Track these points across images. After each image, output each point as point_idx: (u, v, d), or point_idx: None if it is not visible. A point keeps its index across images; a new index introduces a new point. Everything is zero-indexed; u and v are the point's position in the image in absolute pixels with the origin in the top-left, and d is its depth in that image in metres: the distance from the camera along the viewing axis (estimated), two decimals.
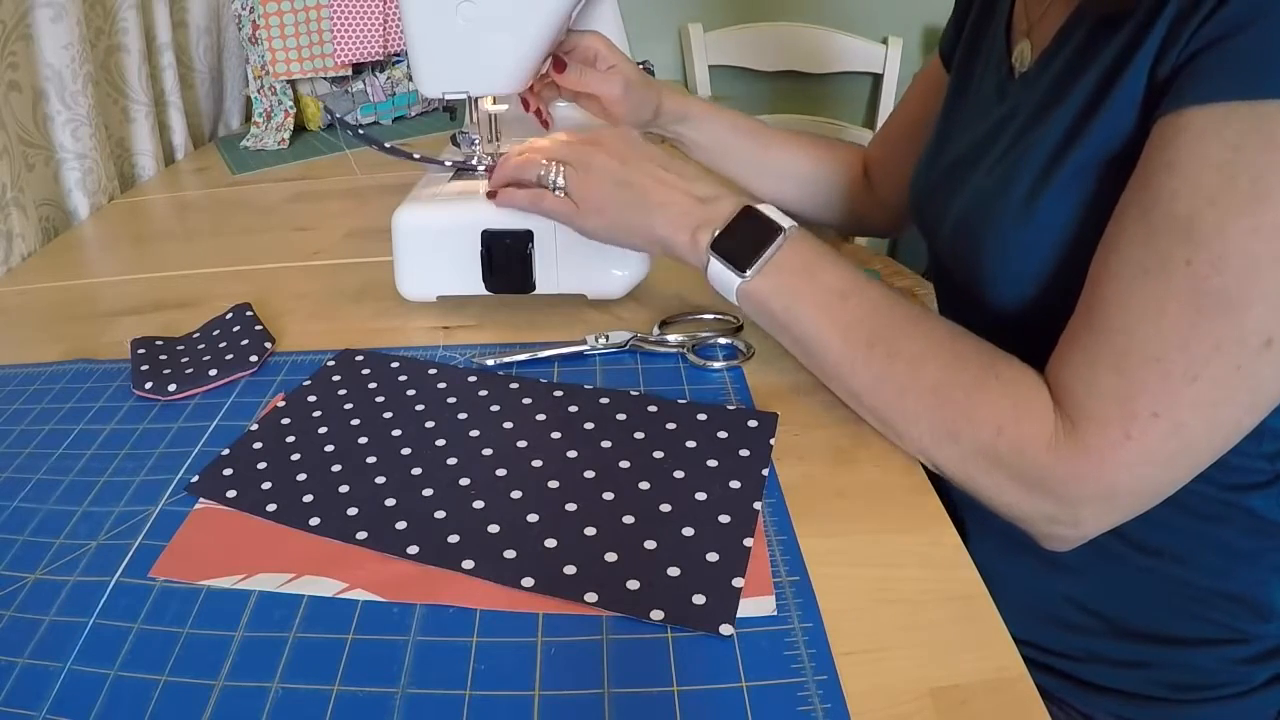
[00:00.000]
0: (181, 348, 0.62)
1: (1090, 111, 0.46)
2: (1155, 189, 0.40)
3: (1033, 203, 0.49)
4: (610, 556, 0.41)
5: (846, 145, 0.86)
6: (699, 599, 0.39)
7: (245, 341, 0.62)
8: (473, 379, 0.57)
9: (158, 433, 0.53)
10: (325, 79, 1.26)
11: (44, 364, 0.62)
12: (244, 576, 0.41)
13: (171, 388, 0.57)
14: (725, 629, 0.37)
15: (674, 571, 0.40)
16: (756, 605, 0.39)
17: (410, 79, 1.30)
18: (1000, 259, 0.51)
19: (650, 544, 0.42)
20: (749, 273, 0.50)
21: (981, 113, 0.59)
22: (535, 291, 0.64)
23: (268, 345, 0.62)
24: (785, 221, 0.50)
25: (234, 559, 0.43)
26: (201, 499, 0.47)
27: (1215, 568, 0.51)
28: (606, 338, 0.61)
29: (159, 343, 0.62)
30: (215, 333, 0.64)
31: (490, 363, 0.59)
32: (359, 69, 1.27)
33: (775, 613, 0.39)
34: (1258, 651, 0.52)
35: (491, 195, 0.61)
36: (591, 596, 0.39)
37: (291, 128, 1.23)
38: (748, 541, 0.42)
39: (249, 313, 0.66)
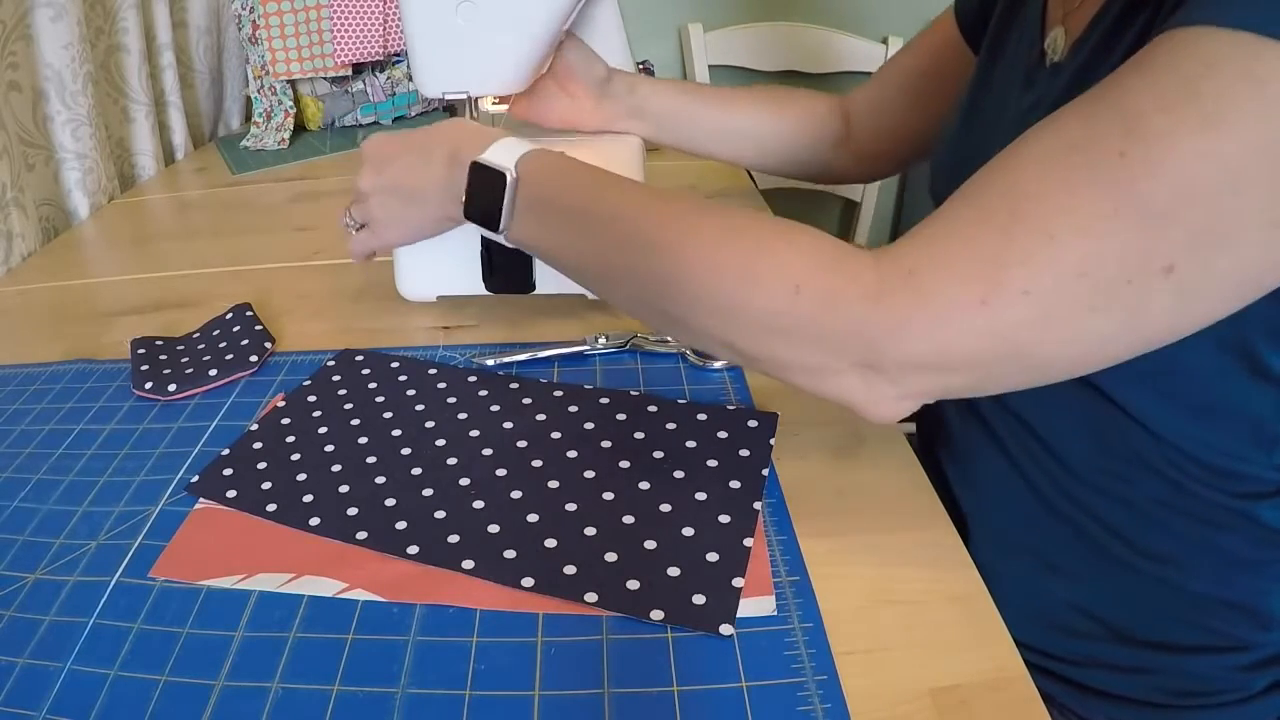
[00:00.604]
0: (181, 348, 0.62)
1: None
2: (1115, 81, 0.37)
3: None
4: (610, 556, 0.41)
5: (815, 95, 0.83)
6: (699, 599, 0.39)
7: (245, 341, 0.62)
8: (473, 379, 0.57)
9: (158, 433, 0.53)
10: (325, 79, 1.26)
11: (44, 364, 0.62)
12: (244, 576, 0.41)
13: (171, 388, 0.57)
14: (725, 629, 0.37)
15: (674, 571, 0.40)
16: (756, 605, 0.39)
17: (410, 79, 1.30)
18: None
19: (650, 544, 0.42)
20: (502, 228, 0.50)
21: (1006, 99, 0.56)
22: (535, 291, 0.64)
23: (268, 345, 0.62)
24: (506, 163, 0.50)
25: (234, 559, 0.43)
26: (201, 499, 0.47)
27: (1218, 575, 0.51)
28: (606, 338, 0.61)
29: (159, 343, 0.62)
30: (215, 333, 0.64)
31: (490, 363, 0.59)
32: (359, 69, 1.27)
33: (775, 613, 0.39)
34: (1257, 659, 0.52)
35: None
36: (591, 596, 0.39)
37: (291, 128, 1.23)
38: (748, 541, 0.42)
39: (249, 313, 0.66)
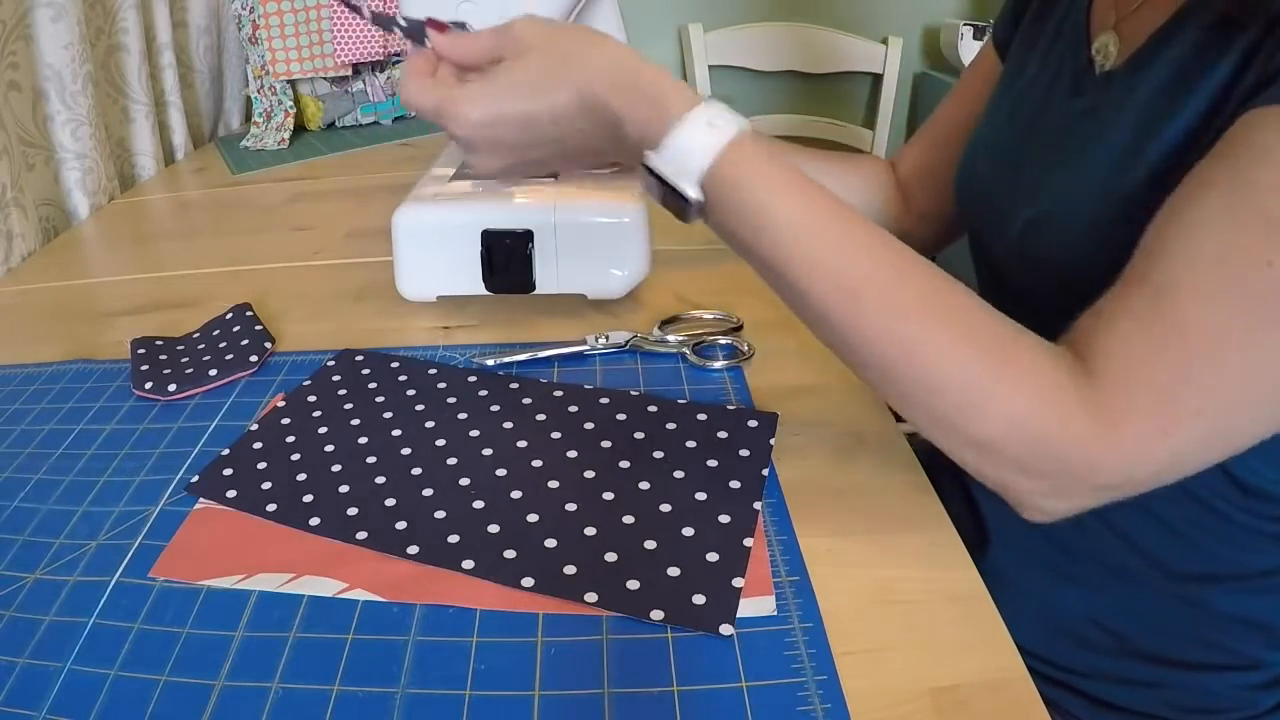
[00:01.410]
0: (181, 348, 0.62)
1: (1213, 117, 0.43)
2: (1246, 176, 0.37)
3: (1142, 210, 0.43)
4: (610, 556, 0.41)
5: (870, 159, 0.77)
6: (699, 599, 0.39)
7: (245, 341, 0.62)
8: (473, 379, 0.57)
9: (158, 433, 0.53)
10: (325, 79, 1.26)
11: (44, 364, 0.62)
12: (244, 576, 0.41)
13: (171, 388, 0.57)
14: (725, 629, 0.37)
15: (674, 571, 0.40)
16: (756, 605, 0.39)
17: None
18: (1096, 265, 0.45)
19: (650, 544, 0.42)
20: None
21: (1050, 103, 0.55)
22: (535, 291, 0.64)
23: (268, 345, 0.62)
24: (689, 175, 0.40)
25: (234, 559, 0.43)
26: (201, 499, 0.47)
27: (1240, 596, 0.51)
28: (606, 338, 0.61)
29: (159, 343, 0.62)
30: (215, 333, 0.64)
31: (490, 363, 0.59)
32: (359, 69, 1.27)
33: (775, 613, 0.39)
34: (1268, 678, 0.52)
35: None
36: (591, 596, 0.39)
37: (291, 128, 1.23)
38: (748, 541, 0.42)
39: (249, 313, 0.66)
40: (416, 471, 0.48)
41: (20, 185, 0.85)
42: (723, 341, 0.60)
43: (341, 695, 0.35)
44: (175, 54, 1.16)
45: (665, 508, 0.44)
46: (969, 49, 1.65)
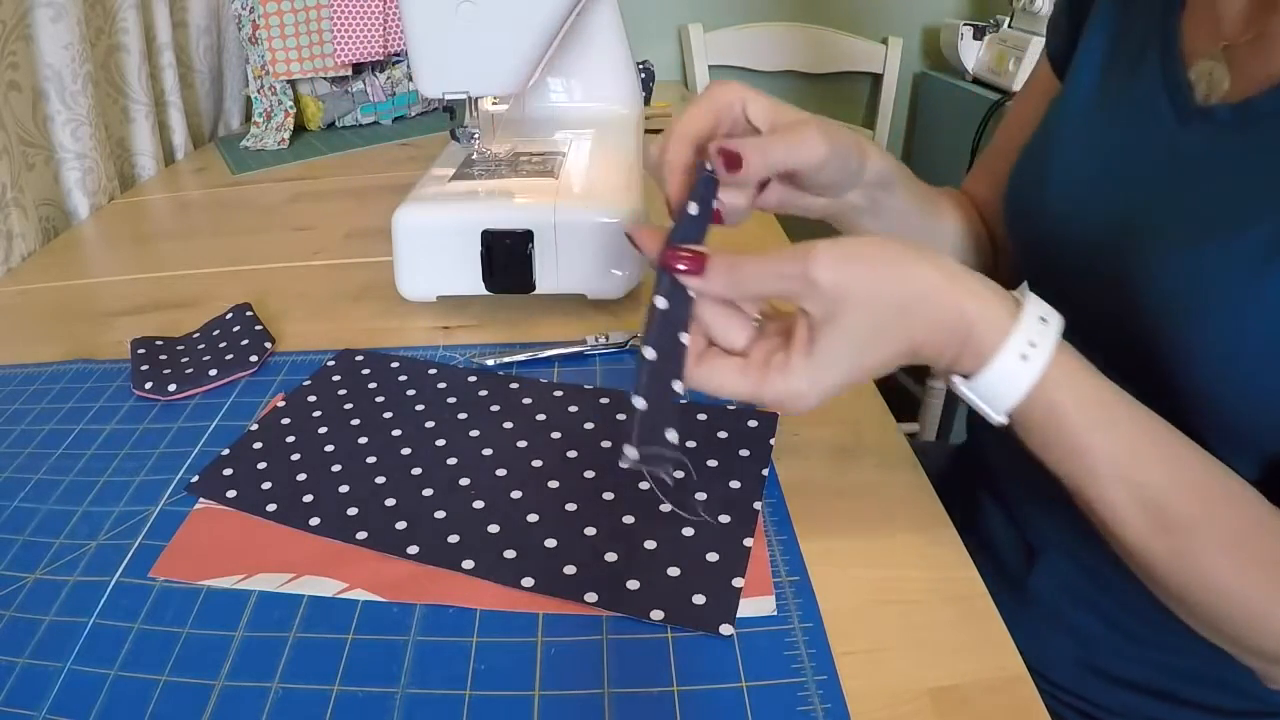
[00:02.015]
0: (181, 348, 0.62)
1: None
2: None
3: None
4: (610, 556, 0.41)
5: (950, 191, 0.68)
6: (699, 599, 0.39)
7: (245, 341, 0.62)
8: (473, 379, 0.57)
9: (158, 433, 0.53)
10: (325, 79, 1.26)
11: (44, 364, 0.62)
12: (244, 576, 0.41)
13: (171, 388, 0.57)
14: (725, 629, 0.37)
15: (674, 571, 0.40)
16: (756, 605, 0.39)
17: (410, 79, 1.30)
18: (1217, 329, 0.41)
19: (650, 544, 0.42)
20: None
21: (1147, 141, 0.48)
22: (535, 291, 0.64)
23: (268, 345, 0.62)
24: (999, 403, 0.37)
25: (234, 559, 0.43)
26: (201, 499, 0.47)
27: None
28: (606, 337, 0.61)
29: (159, 343, 0.62)
30: (215, 333, 0.64)
31: (490, 363, 0.59)
32: (359, 69, 1.27)
33: (775, 613, 0.39)
34: None
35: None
36: (591, 596, 0.39)
37: (291, 128, 1.23)
38: (748, 541, 0.42)
39: (249, 313, 0.66)
40: (416, 471, 0.48)
41: (20, 185, 0.85)
42: None
43: (341, 695, 0.35)
44: (175, 54, 1.16)
45: (665, 507, 0.44)
46: (969, 49, 1.65)
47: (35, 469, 0.50)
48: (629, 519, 0.44)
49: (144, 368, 0.58)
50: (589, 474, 0.47)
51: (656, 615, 0.38)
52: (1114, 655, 0.53)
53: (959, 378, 0.38)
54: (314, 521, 0.45)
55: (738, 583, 0.40)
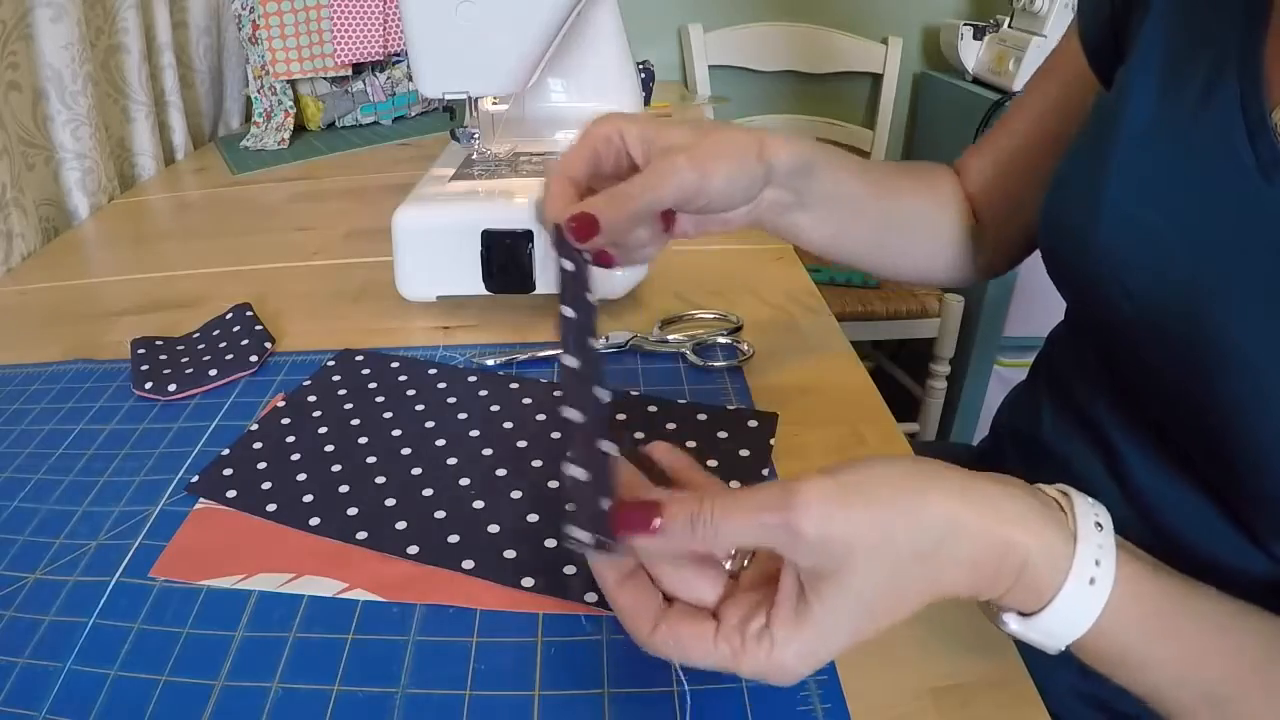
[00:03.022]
0: (181, 348, 0.62)
1: None
2: None
3: None
4: None
5: (941, 174, 0.62)
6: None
7: (245, 341, 0.62)
8: (473, 379, 0.57)
9: (158, 433, 0.53)
10: (325, 79, 1.26)
11: (44, 364, 0.62)
12: (244, 576, 0.41)
13: (171, 388, 0.57)
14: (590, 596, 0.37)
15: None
16: None
17: (410, 79, 1.30)
18: None
19: None
20: None
21: (1225, 190, 0.42)
22: (535, 291, 0.64)
23: (268, 345, 0.62)
24: (1058, 639, 0.33)
25: (234, 559, 0.43)
26: (201, 499, 0.47)
27: None
28: (606, 338, 0.61)
29: (159, 343, 0.62)
30: (215, 333, 0.64)
31: (490, 363, 0.59)
32: (359, 69, 1.27)
33: None
34: None
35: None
36: (591, 596, 0.39)
37: (291, 128, 1.23)
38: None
39: (249, 313, 0.66)
40: (416, 471, 0.48)
41: (20, 185, 0.85)
42: (723, 341, 0.60)
43: (341, 695, 0.35)
44: (175, 54, 1.16)
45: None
46: (969, 49, 1.65)
47: (35, 469, 0.50)
48: None
49: (144, 368, 0.58)
50: None
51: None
52: (1117, 689, 0.52)
53: (1011, 616, 0.32)
54: (314, 521, 0.45)
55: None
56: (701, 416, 0.52)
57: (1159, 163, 0.45)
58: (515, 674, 0.36)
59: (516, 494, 0.46)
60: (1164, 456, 0.46)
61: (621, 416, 0.52)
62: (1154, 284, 0.44)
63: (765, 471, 0.47)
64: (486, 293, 0.65)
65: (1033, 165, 0.57)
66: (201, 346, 0.62)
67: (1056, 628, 0.32)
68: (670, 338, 0.60)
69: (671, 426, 0.51)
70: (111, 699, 0.35)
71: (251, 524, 0.45)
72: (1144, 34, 0.48)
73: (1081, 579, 0.31)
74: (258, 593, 0.41)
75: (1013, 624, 0.32)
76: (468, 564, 0.41)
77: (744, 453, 0.49)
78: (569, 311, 0.36)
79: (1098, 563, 0.31)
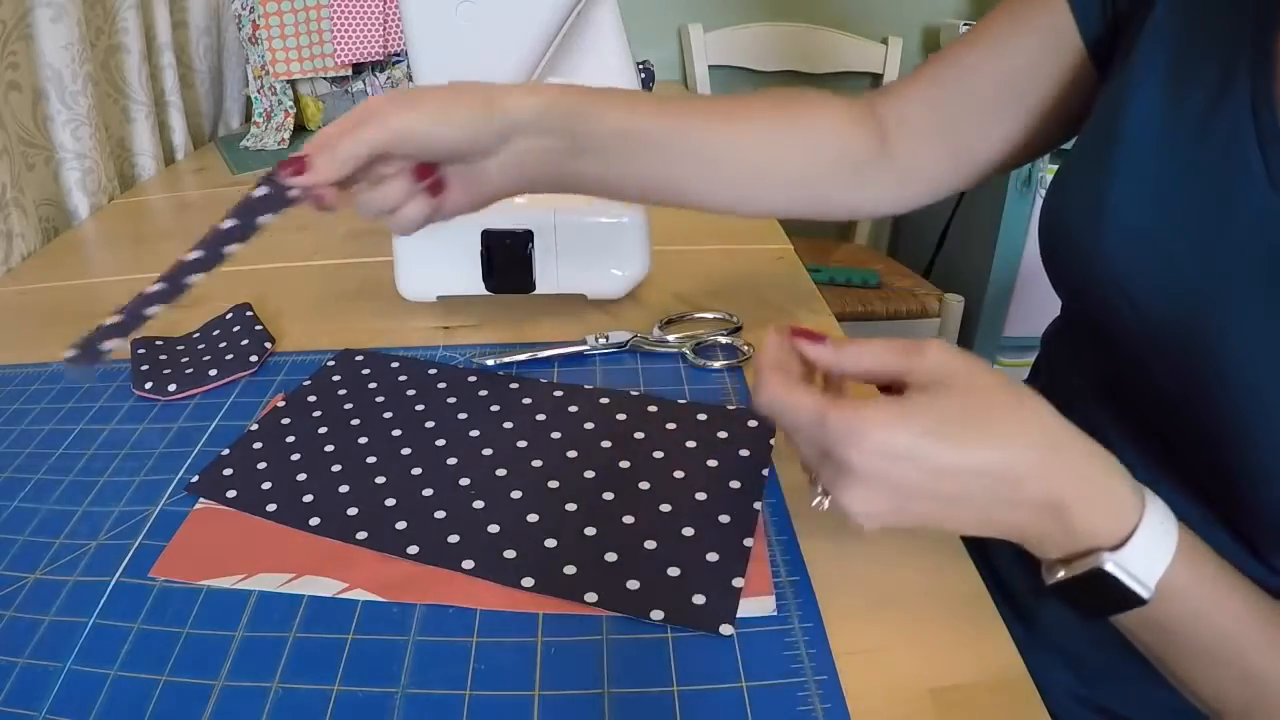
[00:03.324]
0: (181, 348, 0.62)
1: None
2: None
3: None
4: (610, 556, 0.41)
5: (821, 102, 0.58)
6: (699, 599, 0.39)
7: (245, 341, 0.62)
8: (472, 379, 0.57)
9: (158, 433, 0.53)
10: (325, 79, 1.26)
11: (44, 364, 0.62)
12: (244, 576, 0.41)
13: (171, 388, 0.57)
14: (725, 629, 0.37)
15: (674, 571, 0.40)
16: (756, 605, 0.39)
17: (410, 79, 1.30)
18: None
19: (650, 544, 0.42)
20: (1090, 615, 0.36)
21: (1219, 194, 0.41)
22: (535, 291, 0.64)
23: (268, 345, 0.62)
24: (1147, 578, 0.34)
25: (234, 559, 0.43)
26: (201, 499, 0.47)
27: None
28: (606, 338, 0.61)
29: (159, 343, 0.62)
30: (215, 333, 0.64)
31: (490, 363, 0.59)
32: (359, 69, 1.27)
33: (775, 613, 0.39)
34: None
35: None
36: (591, 596, 0.39)
37: (291, 128, 1.23)
38: (748, 541, 0.42)
39: (249, 313, 0.66)
40: (416, 471, 0.48)
41: (20, 185, 0.85)
42: (723, 341, 0.60)
43: (341, 695, 0.35)
44: (175, 54, 1.16)
45: (665, 508, 0.44)
46: None
47: (35, 469, 0.50)
48: (629, 519, 0.44)
49: (144, 368, 0.58)
50: (589, 474, 0.47)
51: (656, 615, 0.38)
52: (1114, 693, 0.51)
53: (1108, 553, 0.33)
54: (314, 521, 0.45)
55: (738, 583, 0.40)
56: (701, 416, 0.52)
57: (1164, 168, 0.44)
58: (515, 674, 0.36)
59: (516, 494, 0.46)
60: (1164, 467, 0.46)
61: (621, 416, 0.52)
62: (1157, 294, 0.43)
63: (765, 471, 0.47)
64: (486, 293, 0.65)
65: (977, 106, 0.54)
66: (201, 346, 0.62)
67: (1151, 552, 0.33)
68: (670, 338, 0.60)
69: (671, 426, 0.51)
70: (111, 699, 0.35)
71: (251, 524, 0.45)
72: (1146, 32, 0.46)
73: (1156, 518, 0.34)
74: (258, 593, 0.41)
75: (1109, 559, 0.33)
76: (468, 564, 0.41)
77: (744, 453, 0.49)
78: (229, 223, 0.47)
79: (1165, 522, 0.34)
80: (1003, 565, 0.57)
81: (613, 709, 0.34)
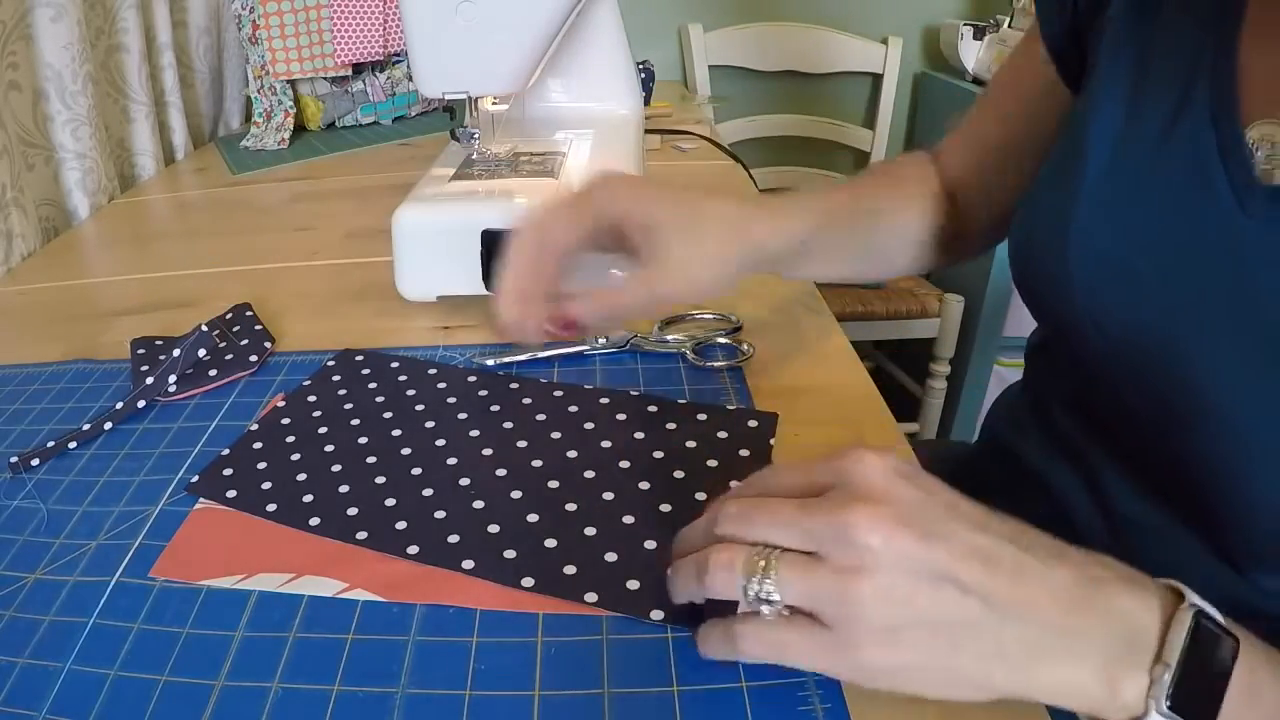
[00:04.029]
0: (181, 348, 0.62)
1: None
2: None
3: None
4: (610, 556, 0.41)
5: (913, 169, 0.63)
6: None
7: (245, 341, 0.62)
8: (472, 379, 0.57)
9: (158, 433, 0.53)
10: (325, 79, 1.26)
11: (44, 364, 0.62)
12: (244, 577, 0.41)
13: (171, 388, 0.57)
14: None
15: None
16: None
17: (410, 79, 1.30)
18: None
19: (650, 544, 0.42)
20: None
21: (1183, 214, 0.39)
22: None
23: (268, 345, 0.62)
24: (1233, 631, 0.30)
25: (234, 559, 0.43)
26: (201, 499, 0.47)
27: None
28: (606, 338, 0.61)
29: (159, 342, 0.62)
30: (215, 333, 0.64)
31: (490, 363, 0.59)
32: (359, 69, 1.27)
33: None
34: None
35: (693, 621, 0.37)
36: (591, 596, 0.39)
37: (291, 128, 1.23)
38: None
39: (249, 313, 0.66)
40: (416, 471, 0.48)
41: (20, 185, 0.85)
42: (723, 341, 0.60)
43: (341, 695, 0.35)
44: (175, 54, 1.16)
45: (665, 508, 0.44)
46: (969, 49, 1.65)
47: (35, 468, 0.50)
48: (629, 519, 0.44)
49: (144, 368, 0.58)
50: (589, 474, 0.47)
51: (656, 615, 0.38)
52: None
53: (1165, 707, 0.28)
54: (314, 521, 0.45)
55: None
56: (701, 416, 0.52)
57: (1127, 188, 0.42)
58: (515, 674, 0.36)
59: (517, 494, 0.46)
60: (1143, 485, 0.46)
61: (621, 416, 0.52)
62: (1127, 320, 0.42)
63: None
64: (486, 293, 0.65)
65: (1004, 162, 0.58)
66: (201, 347, 0.62)
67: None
68: (670, 338, 0.60)
69: (671, 426, 0.51)
70: (111, 699, 0.35)
71: (251, 524, 0.45)
72: (1104, 46, 0.45)
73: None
74: (258, 593, 0.41)
75: (1189, 602, 0.30)
76: (468, 564, 0.41)
77: (744, 453, 0.49)
78: None
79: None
80: None
81: (613, 709, 0.34)
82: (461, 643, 0.38)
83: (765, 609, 0.31)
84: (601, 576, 0.40)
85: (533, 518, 0.44)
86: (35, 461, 0.50)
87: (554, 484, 0.47)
